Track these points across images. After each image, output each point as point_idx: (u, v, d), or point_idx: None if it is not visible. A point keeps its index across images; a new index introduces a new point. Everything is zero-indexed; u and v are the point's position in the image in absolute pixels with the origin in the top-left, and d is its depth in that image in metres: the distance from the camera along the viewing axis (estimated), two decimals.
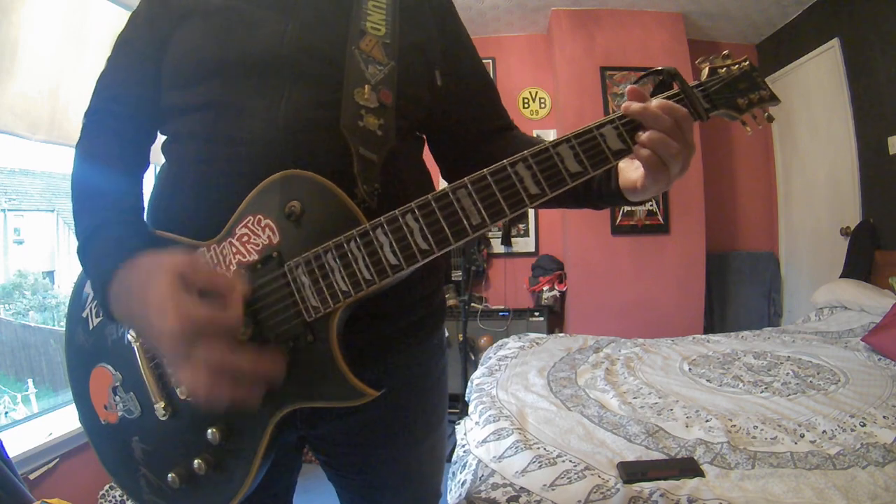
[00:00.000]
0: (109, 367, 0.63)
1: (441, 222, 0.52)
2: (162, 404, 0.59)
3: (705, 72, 0.62)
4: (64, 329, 0.70)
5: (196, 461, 0.57)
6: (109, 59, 0.69)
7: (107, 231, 0.59)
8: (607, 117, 0.55)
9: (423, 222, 0.52)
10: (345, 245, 0.53)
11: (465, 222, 0.52)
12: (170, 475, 0.58)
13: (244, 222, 0.57)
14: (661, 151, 0.54)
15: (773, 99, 0.62)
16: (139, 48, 0.66)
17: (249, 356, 0.49)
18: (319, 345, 0.54)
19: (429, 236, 0.52)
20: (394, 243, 0.52)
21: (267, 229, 0.56)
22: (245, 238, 0.57)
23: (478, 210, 0.52)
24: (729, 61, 0.62)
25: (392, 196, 0.60)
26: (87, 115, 0.67)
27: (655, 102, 0.54)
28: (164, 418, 0.59)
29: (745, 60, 0.62)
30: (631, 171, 0.60)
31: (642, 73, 0.64)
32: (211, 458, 0.57)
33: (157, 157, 0.69)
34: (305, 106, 0.60)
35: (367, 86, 0.61)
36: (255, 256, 0.56)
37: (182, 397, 0.58)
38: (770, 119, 0.63)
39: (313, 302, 0.53)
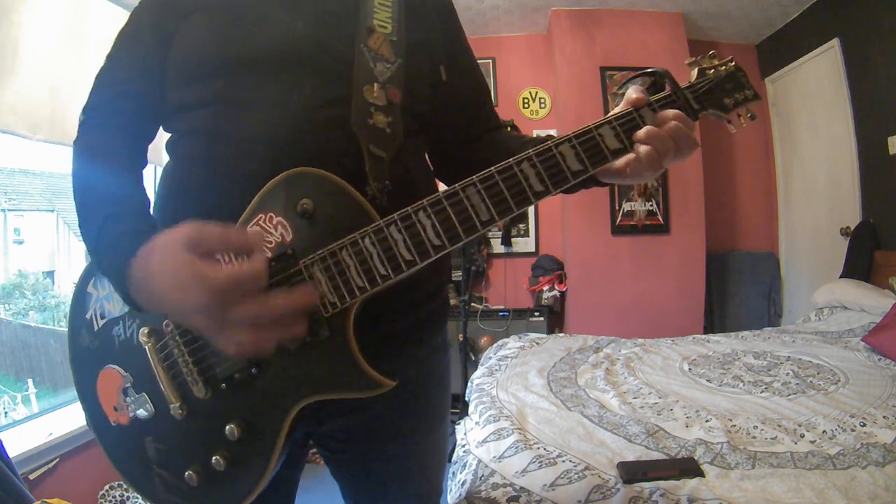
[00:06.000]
0: (118, 368, 0.63)
1: (452, 219, 0.54)
2: (177, 404, 0.59)
3: (694, 73, 0.64)
4: (67, 331, 0.68)
5: (214, 458, 0.57)
6: (110, 55, 0.67)
7: (117, 223, 0.58)
8: (605, 118, 0.57)
9: (435, 219, 0.54)
10: (360, 242, 0.54)
11: (475, 219, 0.54)
12: (187, 473, 0.59)
13: (255, 220, 0.57)
14: (658, 147, 0.56)
15: (756, 98, 0.64)
16: (143, 44, 0.65)
17: (282, 295, 0.50)
18: (337, 338, 0.55)
19: (441, 232, 0.54)
20: (407, 239, 0.54)
21: (279, 227, 0.56)
22: None
23: (486, 207, 0.54)
24: (716, 62, 0.64)
25: (401, 193, 0.60)
26: (85, 110, 0.66)
27: (666, 127, 0.57)
28: (179, 418, 0.59)
29: (731, 61, 0.64)
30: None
31: (635, 73, 0.66)
32: (229, 453, 0.58)
33: (156, 156, 0.68)
34: (316, 103, 0.60)
35: (375, 84, 0.62)
36: (268, 254, 0.56)
37: (198, 396, 0.58)
38: (752, 117, 0.65)
39: (330, 298, 0.54)
